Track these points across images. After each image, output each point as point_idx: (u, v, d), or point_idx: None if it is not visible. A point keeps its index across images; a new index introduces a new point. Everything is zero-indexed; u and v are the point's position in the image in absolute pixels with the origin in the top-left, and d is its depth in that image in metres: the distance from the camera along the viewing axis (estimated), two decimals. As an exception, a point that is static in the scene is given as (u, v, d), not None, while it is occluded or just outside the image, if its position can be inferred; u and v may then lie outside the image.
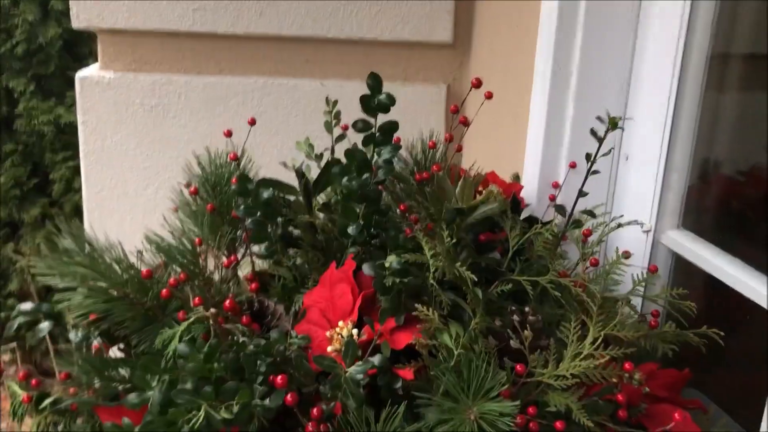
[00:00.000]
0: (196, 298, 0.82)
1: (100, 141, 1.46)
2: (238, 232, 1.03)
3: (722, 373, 1.02)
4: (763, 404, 0.96)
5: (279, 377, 0.66)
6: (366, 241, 0.96)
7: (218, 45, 1.47)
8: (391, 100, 0.93)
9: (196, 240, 1.00)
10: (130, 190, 1.50)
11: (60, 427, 0.88)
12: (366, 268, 0.87)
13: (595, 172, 0.84)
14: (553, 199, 1.10)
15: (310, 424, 0.66)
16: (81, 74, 1.43)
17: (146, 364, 0.66)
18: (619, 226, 0.89)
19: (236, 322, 0.82)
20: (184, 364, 0.67)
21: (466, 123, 0.94)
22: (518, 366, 0.76)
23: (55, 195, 2.90)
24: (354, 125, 0.97)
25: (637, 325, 0.85)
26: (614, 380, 0.78)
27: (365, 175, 0.97)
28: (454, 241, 0.82)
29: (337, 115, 1.20)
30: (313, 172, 1.22)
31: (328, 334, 0.86)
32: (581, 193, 0.86)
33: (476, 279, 0.81)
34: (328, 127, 1.19)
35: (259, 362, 0.71)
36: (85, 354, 0.89)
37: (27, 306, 0.88)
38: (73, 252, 0.83)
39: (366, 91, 0.97)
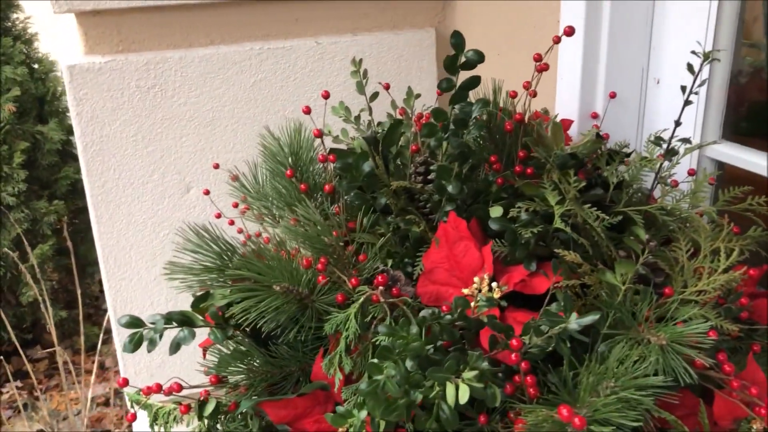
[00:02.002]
0: (353, 279, 0.83)
1: (98, 131, 1.37)
2: (331, 207, 1.03)
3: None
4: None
5: (514, 340, 0.70)
6: (463, 197, 0.99)
7: (208, 15, 1.40)
8: (480, 57, 0.95)
9: (291, 219, 0.99)
10: (135, 178, 1.43)
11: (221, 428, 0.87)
12: (493, 224, 0.90)
13: (689, 102, 0.91)
14: (597, 129, 1.17)
15: (528, 377, 0.71)
16: (68, 62, 1.33)
17: (382, 353, 0.67)
18: (700, 147, 0.97)
19: (390, 296, 0.84)
20: (404, 344, 0.69)
21: (546, 68, 0.98)
22: (666, 289, 0.84)
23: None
24: (439, 85, 0.98)
25: (732, 233, 0.95)
26: (735, 287, 0.88)
27: (448, 134, 1.00)
28: (584, 184, 0.87)
29: (365, 74, 1.20)
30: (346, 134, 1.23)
31: (467, 291, 0.89)
32: (677, 123, 0.93)
33: (605, 217, 0.87)
34: (360, 88, 1.19)
35: (453, 330, 0.74)
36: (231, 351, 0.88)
37: (159, 318, 0.85)
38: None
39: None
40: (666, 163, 1.01)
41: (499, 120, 1.02)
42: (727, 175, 1.16)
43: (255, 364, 0.89)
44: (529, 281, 0.89)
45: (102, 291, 3.35)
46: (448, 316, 0.74)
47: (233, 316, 0.86)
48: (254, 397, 0.85)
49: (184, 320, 0.86)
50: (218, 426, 0.87)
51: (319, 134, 1.00)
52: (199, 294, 0.84)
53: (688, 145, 0.97)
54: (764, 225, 0.99)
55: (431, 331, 0.72)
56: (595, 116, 1.21)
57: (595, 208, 0.89)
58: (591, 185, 0.97)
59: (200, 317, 0.88)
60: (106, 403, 2.85)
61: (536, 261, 0.91)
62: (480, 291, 0.90)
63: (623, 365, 0.74)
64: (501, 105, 1.04)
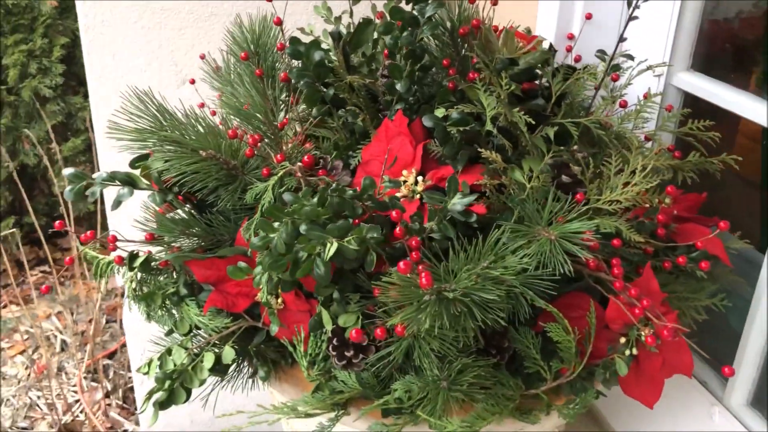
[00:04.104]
0: (279, 155, 0.87)
1: (99, 15, 1.43)
2: (283, 96, 1.07)
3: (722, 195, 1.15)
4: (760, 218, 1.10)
5: (394, 211, 0.74)
6: (412, 97, 1.02)
7: None
8: (437, -43, 0.96)
9: (245, 106, 1.04)
10: (133, 65, 1.49)
11: (150, 283, 0.95)
12: (426, 120, 0.93)
13: (635, 18, 0.91)
14: (569, 50, 1.18)
15: (413, 253, 0.75)
16: (73, -55, 1.38)
17: (271, 210, 0.72)
18: (649, 68, 0.97)
19: (313, 176, 0.89)
20: (299, 208, 0.74)
21: (504, -23, 0.99)
22: (578, 194, 0.86)
23: (11, 81, 2.79)
24: (397, -16, 1.01)
25: (667, 155, 0.96)
26: (656, 203, 0.90)
27: (405, 33, 1.02)
28: (513, 87, 0.89)
29: (351, -23, 1.22)
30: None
31: (394, 182, 0.93)
32: (621, 38, 0.93)
33: (533, 122, 0.89)
34: (345, -10, 1.21)
35: (355, 205, 0.79)
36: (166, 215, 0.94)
37: (104, 174, 0.92)
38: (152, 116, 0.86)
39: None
40: (618, 83, 1.02)
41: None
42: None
43: (193, 230, 0.95)
44: (454, 178, 0.93)
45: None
46: (350, 192, 0.78)
47: (177, 184, 0.93)
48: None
49: (126, 180, 0.92)
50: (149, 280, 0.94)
51: (279, 22, 1.03)
52: (137, 155, 0.90)
53: (637, 65, 0.97)
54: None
55: (330, 202, 0.77)
56: (570, 37, 1.21)
57: (531, 118, 0.90)
58: (535, 96, 0.98)
59: (144, 180, 0.94)
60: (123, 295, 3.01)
61: (468, 162, 0.95)
62: (407, 182, 0.93)
63: (514, 255, 0.77)
64: (467, 13, 1.06)
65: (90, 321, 2.68)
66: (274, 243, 0.73)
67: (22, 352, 2.66)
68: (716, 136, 0.94)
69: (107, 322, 2.88)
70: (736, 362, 1.04)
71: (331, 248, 0.68)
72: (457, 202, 0.74)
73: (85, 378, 2.48)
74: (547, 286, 0.77)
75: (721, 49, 1.18)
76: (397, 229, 0.75)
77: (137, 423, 2.24)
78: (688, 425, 1.10)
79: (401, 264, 0.66)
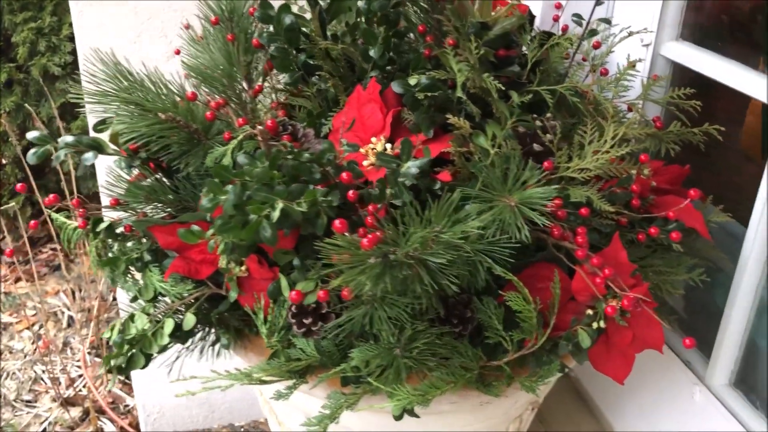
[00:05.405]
0: (240, 119, 0.86)
1: (88, -14, 1.43)
2: (260, 65, 1.05)
3: (714, 169, 1.12)
4: (752, 197, 1.06)
5: (344, 174, 0.72)
6: (387, 65, 1.00)
7: None
8: None
9: (216, 72, 1.02)
10: (123, 37, 1.48)
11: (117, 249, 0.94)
12: (395, 86, 0.91)
13: (609, -20, 0.87)
14: (557, 19, 1.14)
15: (368, 217, 0.73)
16: None
17: (218, 171, 0.71)
18: (630, 34, 0.94)
19: (277, 141, 0.87)
20: (250, 170, 0.72)
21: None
22: (546, 162, 0.83)
23: (20, 59, 2.81)
24: (372, -52, 0.98)
25: (646, 125, 0.92)
26: (631, 172, 0.87)
27: (382, -2, 0.99)
28: (482, 52, 0.86)
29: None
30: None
31: (362, 150, 0.91)
32: (598, 2, 0.90)
33: (503, 88, 0.86)
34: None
35: (313, 169, 0.77)
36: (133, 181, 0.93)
37: (69, 138, 0.91)
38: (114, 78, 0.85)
39: None
40: (600, 51, 0.99)
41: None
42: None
43: (159, 196, 0.94)
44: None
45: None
46: (307, 155, 0.76)
47: (141, 148, 0.92)
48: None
49: (92, 145, 0.91)
50: (115, 246, 0.93)
51: (253, -13, 1.01)
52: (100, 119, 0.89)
53: (620, 32, 0.94)
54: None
55: (285, 165, 0.75)
56: (558, 7, 1.17)
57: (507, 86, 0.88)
58: (509, 63, 0.95)
59: (111, 145, 0.93)
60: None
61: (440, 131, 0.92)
62: (375, 150, 0.91)
63: (471, 219, 0.75)
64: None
65: (97, 298, 2.70)
66: (225, 204, 0.71)
67: (29, 327, 2.68)
68: (697, 105, 0.91)
69: (114, 299, 2.90)
70: (717, 341, 1.01)
71: (279, 211, 0.66)
72: (411, 165, 0.72)
73: (89, 354, 2.50)
74: (506, 254, 0.74)
75: (715, 19, 1.14)
76: (350, 192, 0.73)
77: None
78: (670, 404, 1.07)
79: (336, 222, 0.64)
